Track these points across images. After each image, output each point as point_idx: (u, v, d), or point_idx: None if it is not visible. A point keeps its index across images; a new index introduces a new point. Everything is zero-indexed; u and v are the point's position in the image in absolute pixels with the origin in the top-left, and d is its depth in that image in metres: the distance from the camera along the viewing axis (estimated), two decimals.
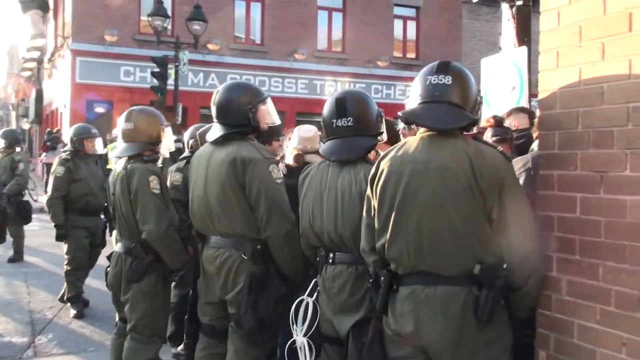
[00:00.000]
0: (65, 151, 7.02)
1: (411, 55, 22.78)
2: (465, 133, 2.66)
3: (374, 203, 2.66)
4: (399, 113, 2.77)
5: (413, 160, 2.54)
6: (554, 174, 2.60)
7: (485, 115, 7.30)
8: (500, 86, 6.57)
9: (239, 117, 3.59)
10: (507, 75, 6.45)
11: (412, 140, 2.62)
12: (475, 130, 2.79)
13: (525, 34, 6.46)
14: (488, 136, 4.41)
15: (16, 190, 8.81)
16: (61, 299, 6.93)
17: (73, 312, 6.57)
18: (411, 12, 22.94)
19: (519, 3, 6.41)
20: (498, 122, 4.51)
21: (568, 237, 2.52)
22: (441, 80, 2.57)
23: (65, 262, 6.77)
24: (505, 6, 6.63)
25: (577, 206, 2.49)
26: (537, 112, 2.87)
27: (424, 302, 2.49)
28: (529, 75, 6.12)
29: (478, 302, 2.42)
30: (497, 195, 2.43)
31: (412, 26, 23.03)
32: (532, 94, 6.46)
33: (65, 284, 6.83)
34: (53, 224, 6.70)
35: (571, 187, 2.52)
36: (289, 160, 4.20)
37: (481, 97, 2.68)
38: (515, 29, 6.49)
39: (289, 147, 4.29)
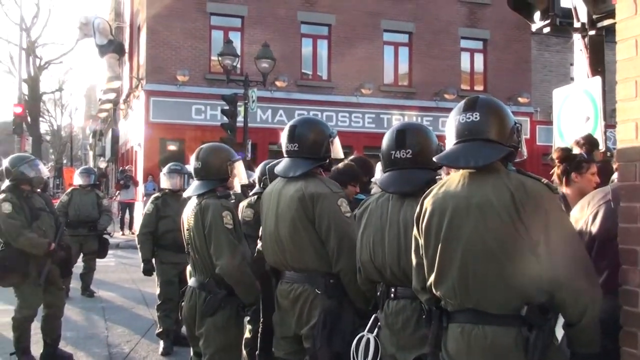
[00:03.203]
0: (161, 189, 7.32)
1: (479, 87, 22.57)
2: (512, 162, 2.63)
3: (421, 242, 2.64)
4: (434, 158, 2.77)
5: (455, 196, 2.52)
6: (636, 207, 2.52)
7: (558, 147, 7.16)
8: (574, 117, 6.42)
9: (319, 150, 3.66)
10: (581, 106, 6.31)
11: (454, 177, 2.60)
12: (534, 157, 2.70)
13: (599, 64, 6.30)
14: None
15: (108, 225, 9.68)
16: (158, 335, 6.86)
17: (161, 348, 6.64)
18: (478, 45, 22.80)
19: (592, 33, 6.27)
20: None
21: None
22: (469, 118, 2.55)
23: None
24: (577, 37, 6.49)
25: None
26: (614, 143, 2.78)
27: (473, 341, 2.43)
28: (603, 105, 5.97)
29: (528, 343, 2.34)
30: (543, 228, 2.35)
31: (479, 58, 22.88)
32: (608, 125, 6.28)
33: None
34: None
35: None
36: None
37: (519, 125, 2.63)
38: (588, 59, 6.34)
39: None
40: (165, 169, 7.18)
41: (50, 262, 5.89)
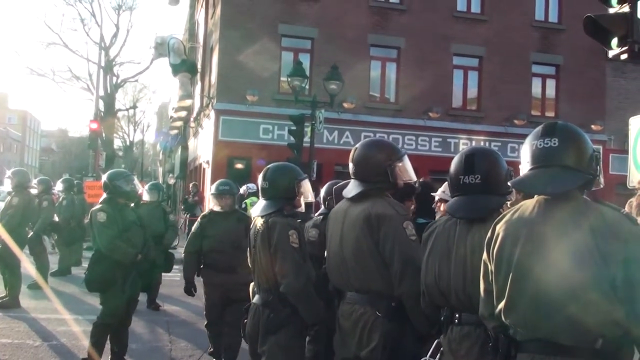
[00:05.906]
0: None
1: (550, 113, 22.07)
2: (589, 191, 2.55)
3: (491, 267, 2.58)
4: (509, 183, 2.71)
5: (528, 223, 2.46)
6: None
7: (635, 178, 6.91)
8: None
9: (376, 173, 3.63)
10: None
11: (529, 203, 2.54)
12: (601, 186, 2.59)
13: None
14: None
15: (173, 240, 9.84)
16: (210, 354, 6.85)
17: None
18: (551, 70, 22.36)
19: None
20: None
21: None
22: (547, 143, 2.48)
23: None
24: None
25: None
26: None
27: None
28: None
29: None
30: (621, 260, 2.26)
31: (551, 84, 22.42)
32: None
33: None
34: None
35: None
36: None
37: (598, 153, 2.54)
38: None
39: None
40: (213, 188, 6.78)
41: (135, 272, 6.14)
